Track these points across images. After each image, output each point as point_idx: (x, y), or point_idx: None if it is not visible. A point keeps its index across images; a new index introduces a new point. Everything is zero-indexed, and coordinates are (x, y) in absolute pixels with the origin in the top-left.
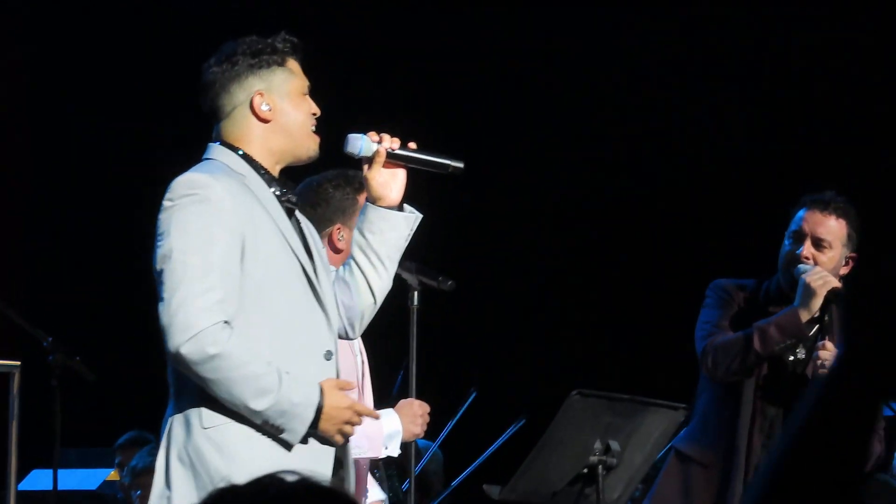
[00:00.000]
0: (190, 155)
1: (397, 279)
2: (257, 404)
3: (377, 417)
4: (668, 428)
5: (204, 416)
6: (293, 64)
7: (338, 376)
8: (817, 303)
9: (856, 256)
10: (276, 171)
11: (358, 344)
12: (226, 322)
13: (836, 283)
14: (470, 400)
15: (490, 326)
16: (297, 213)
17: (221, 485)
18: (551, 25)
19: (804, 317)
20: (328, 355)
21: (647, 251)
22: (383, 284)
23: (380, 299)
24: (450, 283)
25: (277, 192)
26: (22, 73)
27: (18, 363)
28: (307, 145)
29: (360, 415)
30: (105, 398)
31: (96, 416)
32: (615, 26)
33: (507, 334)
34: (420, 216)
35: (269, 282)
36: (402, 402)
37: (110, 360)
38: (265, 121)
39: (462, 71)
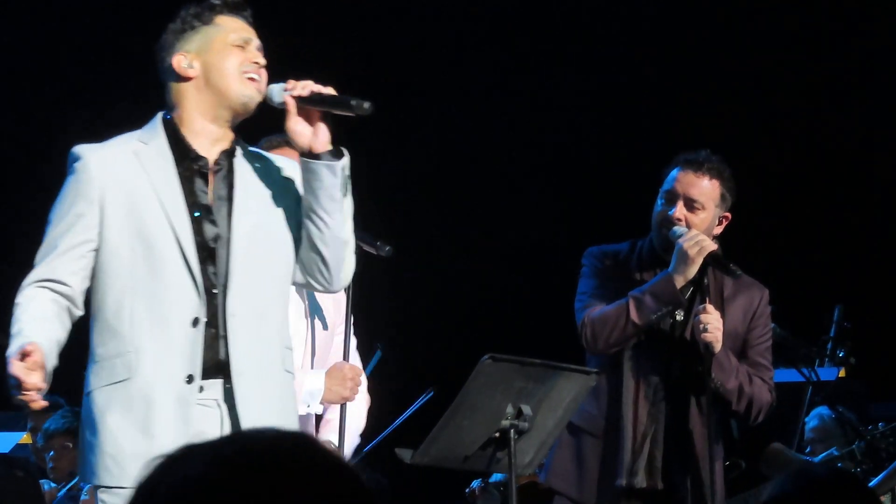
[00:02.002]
0: None
1: None
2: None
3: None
4: (579, 393)
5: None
6: (224, 19)
7: (214, 341)
8: (693, 269)
9: (729, 216)
10: (213, 132)
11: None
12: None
13: (713, 246)
14: (425, 398)
15: (405, 293)
16: (239, 174)
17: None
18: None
19: (679, 282)
20: (195, 322)
21: (547, 216)
22: (325, 237)
23: (328, 252)
24: (388, 248)
25: (192, 157)
26: None
27: None
28: (239, 91)
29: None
30: None
31: (6, 380)
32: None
33: (423, 301)
34: (342, 163)
35: (125, 248)
36: (333, 364)
37: None
38: (188, 78)
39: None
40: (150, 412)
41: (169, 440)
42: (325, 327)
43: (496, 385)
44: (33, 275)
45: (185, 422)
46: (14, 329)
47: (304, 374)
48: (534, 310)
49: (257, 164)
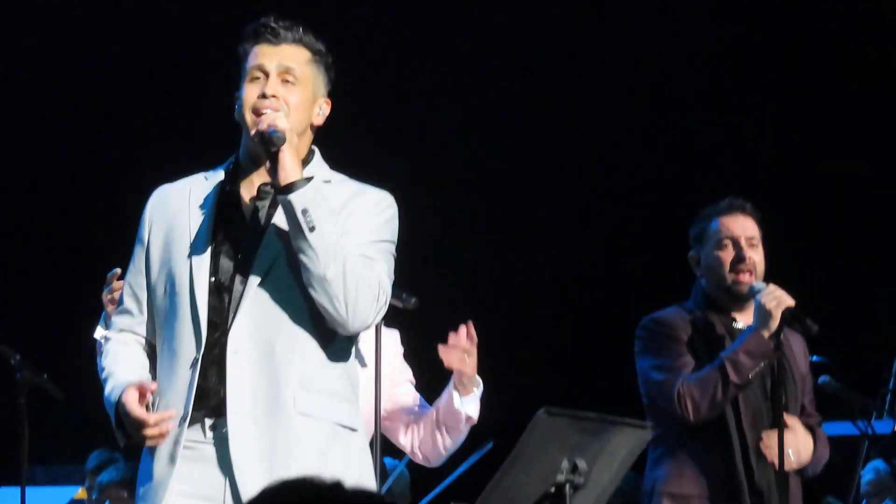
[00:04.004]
0: None
1: None
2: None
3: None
4: (635, 447)
5: None
6: (252, 49)
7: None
8: (775, 323)
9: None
10: (257, 165)
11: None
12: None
13: (790, 301)
14: (483, 451)
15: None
16: (283, 207)
17: None
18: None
19: (767, 336)
20: (193, 363)
21: (605, 273)
22: (309, 277)
23: (316, 294)
24: (413, 300)
25: (231, 190)
26: None
27: None
28: (248, 126)
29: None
30: (73, 415)
31: (64, 434)
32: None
33: (479, 353)
34: (290, 197)
35: (159, 286)
36: None
37: (78, 378)
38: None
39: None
40: (154, 452)
41: (159, 481)
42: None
43: (552, 439)
44: (115, 321)
45: (171, 461)
46: (106, 375)
47: None
48: (590, 362)
49: (320, 185)
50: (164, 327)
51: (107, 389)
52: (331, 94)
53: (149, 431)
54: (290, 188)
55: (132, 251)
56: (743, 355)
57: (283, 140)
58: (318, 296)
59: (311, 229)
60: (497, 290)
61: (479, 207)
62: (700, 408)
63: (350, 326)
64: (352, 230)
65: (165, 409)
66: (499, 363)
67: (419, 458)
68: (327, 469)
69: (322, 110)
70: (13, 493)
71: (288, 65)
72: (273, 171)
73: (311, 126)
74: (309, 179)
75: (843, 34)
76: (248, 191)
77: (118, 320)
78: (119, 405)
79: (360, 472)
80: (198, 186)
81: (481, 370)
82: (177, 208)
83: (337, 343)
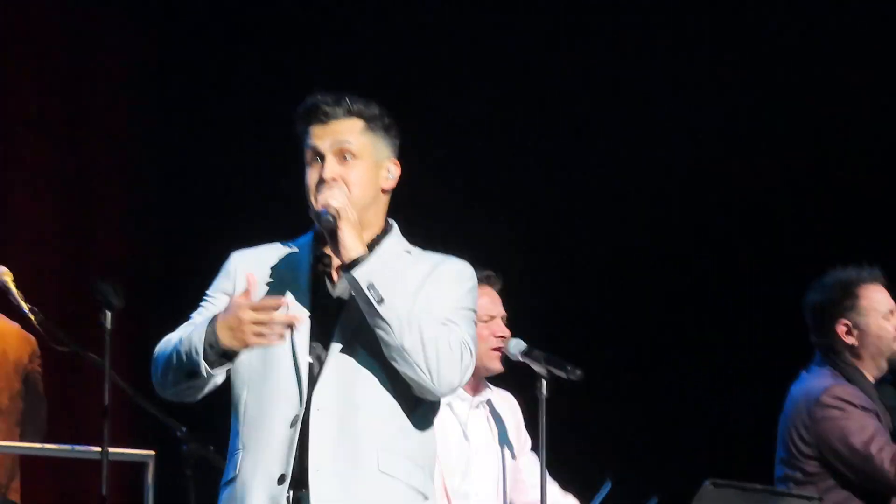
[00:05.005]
0: None
1: (526, 369)
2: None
3: (277, 306)
4: None
5: None
6: (307, 129)
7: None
8: None
9: None
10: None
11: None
12: None
13: None
14: (606, 490)
15: (617, 413)
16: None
17: None
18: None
19: None
20: (293, 420)
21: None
22: (388, 350)
23: (398, 365)
24: (578, 372)
25: (321, 257)
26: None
27: (153, 453)
28: (314, 212)
29: (256, 309)
30: None
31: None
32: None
33: (635, 420)
34: (351, 275)
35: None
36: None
37: None
38: None
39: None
40: None
41: None
42: (513, 455)
43: None
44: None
45: None
46: (177, 340)
47: None
48: (754, 431)
49: (393, 262)
50: (255, 387)
51: (184, 343)
52: (400, 155)
53: (280, 318)
54: (353, 265)
55: (201, 302)
56: None
57: (335, 221)
58: (401, 366)
59: (380, 302)
60: (656, 354)
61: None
62: None
63: (437, 391)
64: (435, 299)
65: (253, 468)
66: (660, 429)
67: None
68: None
69: (391, 173)
70: None
71: (342, 142)
72: (335, 249)
73: (382, 191)
74: (370, 253)
75: None
76: (330, 259)
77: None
78: (212, 320)
79: None
80: (287, 252)
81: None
82: (267, 270)
83: (419, 410)
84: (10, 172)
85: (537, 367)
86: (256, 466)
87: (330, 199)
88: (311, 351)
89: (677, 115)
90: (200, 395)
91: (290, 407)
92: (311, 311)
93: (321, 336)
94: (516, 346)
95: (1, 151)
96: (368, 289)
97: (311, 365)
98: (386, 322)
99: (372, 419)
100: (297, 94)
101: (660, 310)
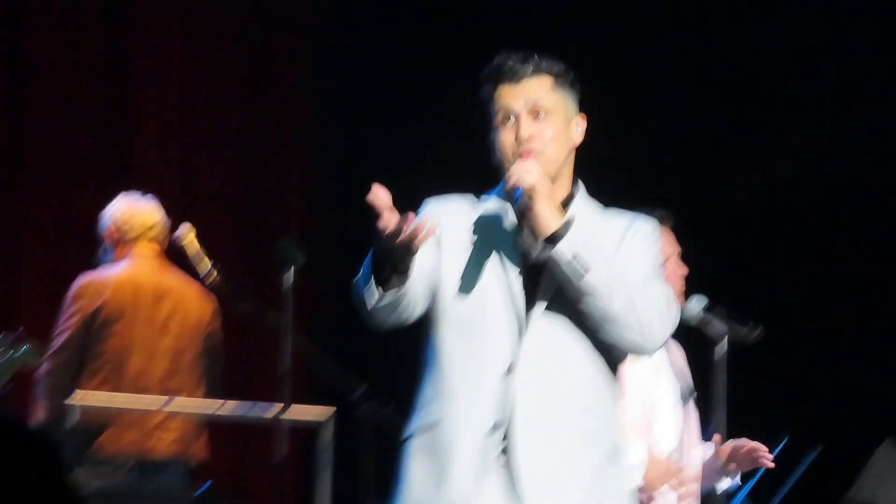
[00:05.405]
0: None
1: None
2: None
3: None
4: None
5: None
6: (495, 90)
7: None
8: None
9: None
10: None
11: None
12: None
13: None
14: (810, 458)
15: (797, 370)
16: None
17: None
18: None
19: None
20: (509, 369)
21: None
22: (592, 318)
23: (602, 335)
24: (759, 329)
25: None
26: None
27: (332, 410)
28: (507, 187)
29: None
30: None
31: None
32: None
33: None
34: (551, 251)
35: (449, 289)
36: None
37: None
38: None
39: None
40: (450, 461)
41: (465, 491)
42: (685, 404)
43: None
44: None
45: (484, 473)
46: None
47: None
48: None
49: (589, 226)
50: (462, 333)
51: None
52: (582, 108)
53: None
54: (554, 239)
55: None
56: None
57: (528, 199)
58: (609, 331)
59: (586, 272)
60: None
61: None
62: None
63: (647, 350)
64: (634, 259)
65: (460, 415)
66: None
67: None
68: (603, 490)
69: (579, 128)
70: None
71: (535, 100)
72: (531, 226)
73: (573, 147)
74: (569, 223)
75: None
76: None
77: None
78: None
79: (631, 496)
80: (481, 206)
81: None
82: (470, 219)
83: (618, 369)
84: (189, 130)
85: (718, 324)
86: (464, 414)
87: (524, 175)
88: (517, 305)
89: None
90: (405, 315)
91: (501, 357)
92: (519, 267)
93: (528, 291)
94: (698, 302)
95: (180, 109)
96: (572, 260)
97: (519, 319)
98: (594, 290)
99: (575, 376)
100: (473, 43)
101: (833, 259)
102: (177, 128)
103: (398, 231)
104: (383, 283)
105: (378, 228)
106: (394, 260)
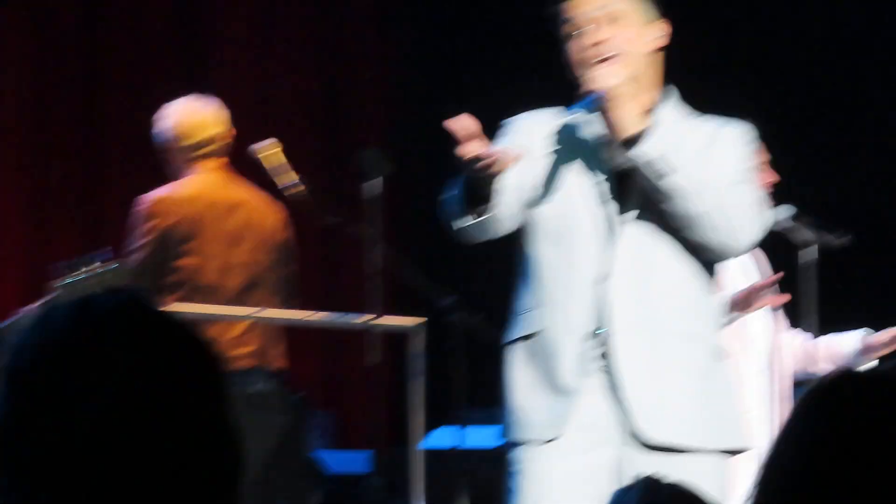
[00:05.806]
0: None
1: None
2: None
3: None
4: None
5: None
6: (565, 3)
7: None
8: None
9: None
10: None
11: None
12: None
13: None
14: None
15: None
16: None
17: None
18: None
19: None
20: (601, 278)
21: None
22: (680, 219)
23: (688, 233)
24: (848, 237)
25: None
26: None
27: (423, 320)
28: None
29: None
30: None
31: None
32: None
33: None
34: (630, 154)
35: (543, 198)
36: None
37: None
38: None
39: None
40: (554, 366)
41: (571, 389)
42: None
43: None
44: None
45: (585, 375)
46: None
47: None
48: None
49: (676, 128)
50: (555, 242)
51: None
52: (665, 13)
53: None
54: (632, 142)
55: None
56: None
57: (606, 102)
58: (699, 232)
59: (670, 172)
60: None
61: None
62: None
63: (737, 251)
64: (724, 160)
65: (559, 323)
66: None
67: None
68: (708, 389)
69: (659, 34)
70: (452, 431)
71: (606, 5)
72: (612, 129)
73: (655, 52)
74: (648, 127)
75: None
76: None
77: None
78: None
79: (735, 396)
80: (565, 119)
81: None
82: (555, 131)
83: (711, 272)
84: (266, 42)
85: (806, 232)
86: (563, 322)
87: (602, 78)
88: (608, 213)
89: None
90: (495, 231)
91: (594, 265)
92: (607, 174)
93: (619, 198)
94: (787, 210)
95: (259, 20)
96: (652, 161)
97: (611, 226)
98: (682, 190)
99: (670, 281)
100: None
101: None
102: (255, 39)
103: (480, 159)
104: (472, 205)
105: (458, 155)
106: (480, 184)
